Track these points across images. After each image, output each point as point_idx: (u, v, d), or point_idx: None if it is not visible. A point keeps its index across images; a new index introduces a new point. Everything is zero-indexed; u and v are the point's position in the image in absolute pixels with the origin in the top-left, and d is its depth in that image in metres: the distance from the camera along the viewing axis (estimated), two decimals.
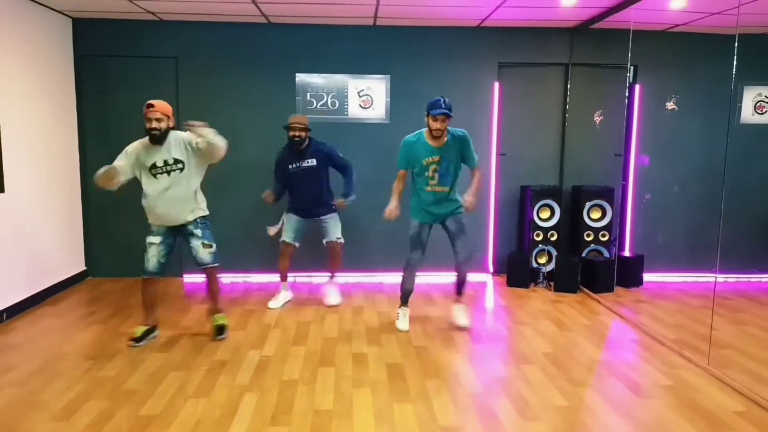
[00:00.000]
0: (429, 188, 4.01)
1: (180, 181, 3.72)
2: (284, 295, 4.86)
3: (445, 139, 3.95)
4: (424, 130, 4.00)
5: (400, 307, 4.33)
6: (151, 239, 3.78)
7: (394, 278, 5.64)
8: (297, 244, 4.71)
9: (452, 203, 4.07)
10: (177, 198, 3.72)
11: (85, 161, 5.42)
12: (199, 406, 2.98)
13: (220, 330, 3.96)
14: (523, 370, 3.50)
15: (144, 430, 2.72)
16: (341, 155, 4.65)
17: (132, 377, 3.31)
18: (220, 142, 3.65)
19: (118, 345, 3.81)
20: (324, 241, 4.75)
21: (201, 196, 3.88)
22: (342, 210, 4.73)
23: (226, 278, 5.59)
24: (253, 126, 5.46)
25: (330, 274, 4.94)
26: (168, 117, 3.68)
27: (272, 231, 4.72)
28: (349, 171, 4.62)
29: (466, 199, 3.99)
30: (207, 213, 3.91)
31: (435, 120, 3.83)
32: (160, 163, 3.68)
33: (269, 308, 4.68)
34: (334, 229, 4.71)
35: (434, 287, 5.41)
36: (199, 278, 5.57)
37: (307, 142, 4.52)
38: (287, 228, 4.68)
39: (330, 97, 5.51)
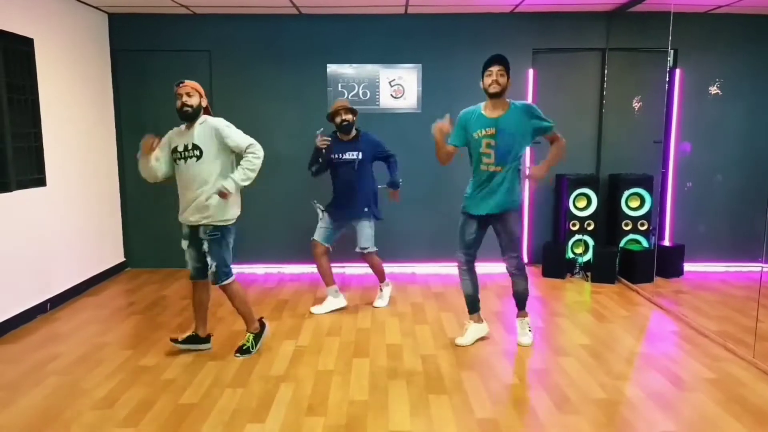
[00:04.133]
0: (484, 167, 3.43)
1: (194, 171, 3.28)
2: (332, 302, 4.41)
3: (505, 110, 3.39)
4: (483, 103, 3.50)
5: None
6: (183, 243, 3.48)
7: (426, 269, 5.65)
8: (327, 245, 4.33)
9: (506, 195, 3.44)
10: (187, 192, 3.34)
11: (123, 154, 5.53)
12: (236, 395, 3.02)
13: (243, 350, 3.54)
14: (560, 363, 3.44)
15: (183, 419, 2.77)
16: (388, 150, 4.38)
17: (170, 367, 3.38)
18: (254, 171, 3.34)
19: (157, 335, 3.89)
20: (357, 250, 4.38)
21: (234, 196, 3.38)
22: (394, 202, 4.51)
23: (260, 269, 5.66)
24: (284, 118, 5.49)
25: (380, 284, 4.62)
26: (199, 94, 3.34)
27: (321, 208, 4.37)
28: (394, 158, 4.36)
29: (535, 167, 3.40)
30: (223, 221, 3.36)
31: (489, 74, 3.32)
32: (180, 148, 3.32)
33: (311, 312, 4.36)
34: (362, 236, 4.29)
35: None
36: (233, 269, 5.65)
37: (355, 131, 4.24)
38: (319, 225, 4.34)
39: (361, 87, 5.49)
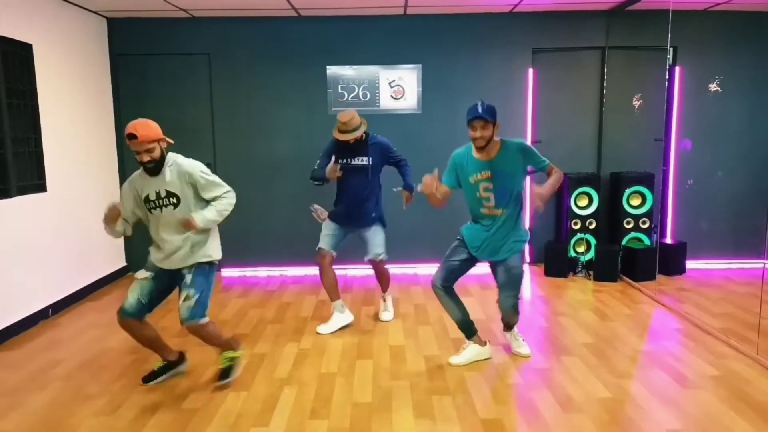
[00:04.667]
0: (485, 210, 3.26)
1: (174, 220, 2.96)
2: (339, 319, 4.06)
3: (497, 151, 3.21)
4: (473, 145, 3.27)
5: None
6: (141, 273, 3.09)
7: (429, 270, 5.62)
8: (334, 253, 4.03)
9: (513, 240, 3.26)
10: (167, 241, 2.99)
11: (123, 159, 5.53)
12: (240, 399, 3.01)
13: (224, 374, 3.17)
14: (563, 362, 3.44)
15: (187, 424, 2.76)
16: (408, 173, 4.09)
17: None
18: (224, 213, 3.04)
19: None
20: (365, 259, 4.10)
21: (207, 238, 3.06)
22: (409, 204, 4.16)
23: (262, 272, 5.66)
24: (285, 120, 5.50)
25: (382, 294, 4.36)
26: (158, 141, 2.90)
27: (321, 215, 4.10)
28: (405, 162, 4.08)
29: (538, 188, 3.06)
30: (209, 259, 3.06)
31: (472, 128, 3.15)
32: (153, 196, 2.97)
33: (318, 333, 3.99)
34: (374, 242, 4.02)
35: (470, 278, 5.35)
36: (236, 272, 5.67)
37: (363, 137, 3.89)
38: (323, 234, 4.04)
39: (361, 88, 5.49)
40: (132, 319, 3.01)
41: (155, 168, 2.93)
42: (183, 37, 5.41)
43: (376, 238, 4.03)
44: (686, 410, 2.83)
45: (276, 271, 5.68)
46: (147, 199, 2.98)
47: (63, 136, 4.64)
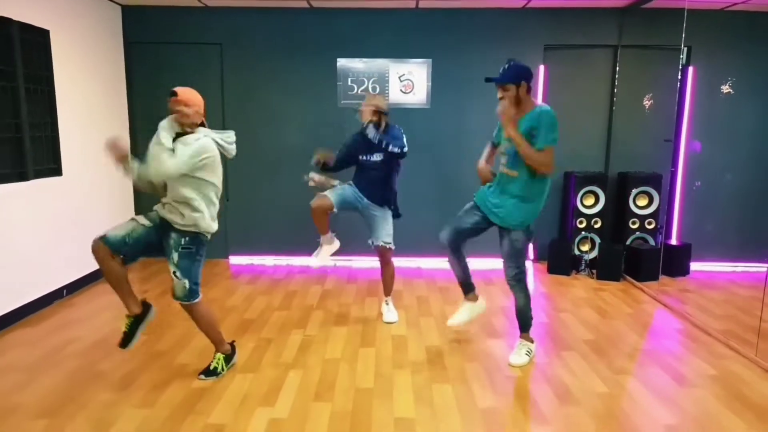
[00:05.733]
0: (502, 167, 3.31)
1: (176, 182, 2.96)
2: (327, 249, 4.11)
3: (524, 114, 3.19)
4: None
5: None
6: (137, 216, 3.06)
7: (432, 263, 5.70)
8: (336, 209, 3.94)
9: (515, 210, 3.23)
10: (171, 198, 3.00)
11: (136, 145, 5.60)
12: (247, 381, 3.10)
13: (208, 372, 3.15)
14: (563, 357, 3.50)
15: (196, 403, 2.86)
16: (396, 148, 3.95)
17: (183, 352, 3.48)
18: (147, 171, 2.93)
19: (171, 322, 3.98)
20: (370, 242, 4.09)
21: (199, 212, 2.97)
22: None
23: (269, 260, 5.75)
24: (294, 111, 5.56)
25: (385, 295, 4.22)
26: (192, 108, 2.98)
27: (315, 179, 4.04)
28: (400, 153, 3.96)
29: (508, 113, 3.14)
30: (199, 230, 3.00)
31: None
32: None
33: (311, 266, 4.16)
34: (382, 228, 4.02)
35: (473, 273, 5.41)
36: (244, 259, 5.76)
37: (378, 119, 3.92)
38: (335, 190, 4.01)
39: (371, 82, 5.54)
40: (106, 247, 2.89)
41: (182, 131, 2.98)
42: (195, 27, 5.47)
43: (385, 225, 4.04)
44: (683, 407, 2.89)
45: (283, 260, 5.77)
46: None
47: (78, 121, 4.73)
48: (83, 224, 4.80)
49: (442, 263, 5.68)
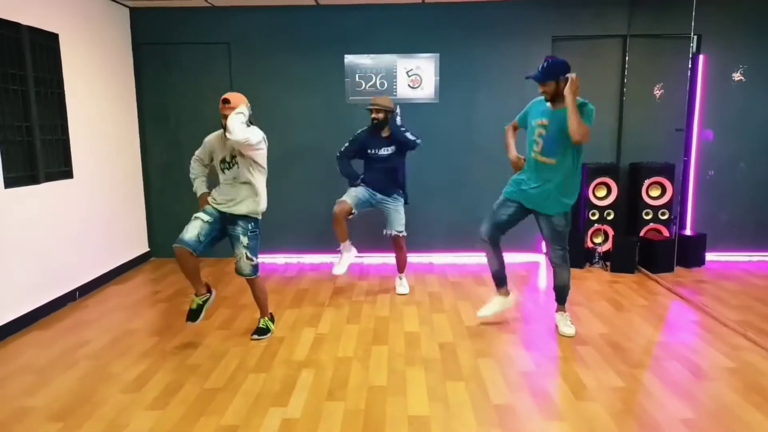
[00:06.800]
0: (534, 154, 3.53)
1: (236, 174, 3.52)
2: (347, 257, 4.49)
3: (563, 106, 3.36)
4: None
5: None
6: (199, 214, 3.52)
7: (444, 259, 5.68)
8: (355, 211, 4.33)
9: (558, 200, 3.51)
10: (233, 190, 3.52)
11: (146, 145, 5.64)
12: (260, 380, 3.10)
13: (261, 331, 3.73)
14: (578, 351, 3.46)
15: (209, 403, 2.86)
16: (409, 137, 4.32)
17: (196, 352, 3.48)
18: (233, 130, 3.30)
19: (183, 323, 3.97)
20: (385, 232, 4.47)
21: (258, 197, 3.57)
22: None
23: (280, 259, 5.75)
24: (303, 108, 5.55)
25: (398, 272, 4.70)
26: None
27: None
28: (413, 144, 4.35)
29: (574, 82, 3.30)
30: (258, 215, 3.60)
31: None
32: (228, 159, 3.53)
33: (334, 274, 4.49)
34: (395, 218, 4.41)
35: (485, 268, 5.38)
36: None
37: (385, 117, 4.30)
38: (349, 193, 4.40)
39: (379, 77, 5.51)
40: (186, 249, 3.36)
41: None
42: (203, 27, 5.48)
43: (397, 215, 4.42)
44: (700, 400, 2.85)
45: (293, 259, 5.77)
46: (223, 161, 3.55)
47: (88, 124, 4.75)
48: (95, 226, 4.83)
49: (453, 258, 5.67)
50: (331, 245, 5.03)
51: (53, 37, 4.31)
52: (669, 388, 2.97)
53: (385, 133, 4.36)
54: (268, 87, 5.54)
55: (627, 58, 5.43)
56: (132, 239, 5.53)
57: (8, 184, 3.81)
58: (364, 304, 4.39)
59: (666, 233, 5.38)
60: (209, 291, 3.64)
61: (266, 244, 5.67)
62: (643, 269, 5.18)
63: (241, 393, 2.96)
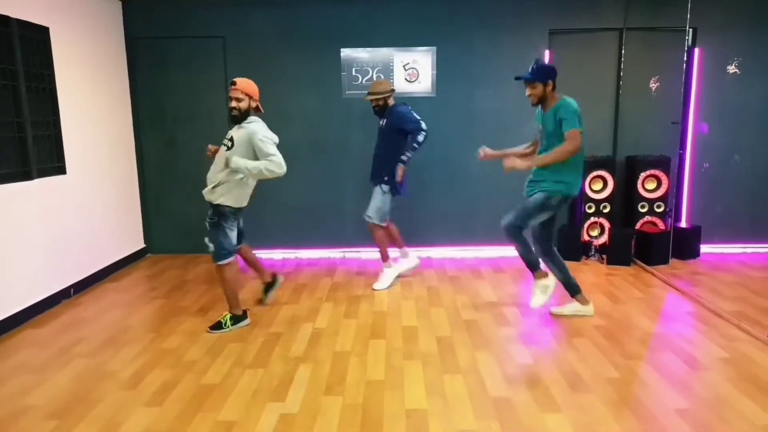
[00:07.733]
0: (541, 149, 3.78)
1: (221, 158, 3.61)
2: (390, 273, 4.68)
3: (548, 109, 3.62)
4: None
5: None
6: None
7: (442, 253, 5.68)
8: (383, 224, 4.56)
9: (539, 181, 3.69)
10: (210, 175, 3.66)
11: (140, 141, 5.60)
12: (257, 376, 3.10)
13: (215, 325, 3.73)
14: (574, 343, 3.47)
15: (206, 399, 2.86)
16: (415, 119, 4.39)
17: (192, 349, 3.47)
18: (265, 171, 3.51)
19: (179, 319, 3.99)
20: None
21: (230, 186, 3.60)
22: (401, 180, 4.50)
23: (278, 254, 5.74)
24: (299, 103, 5.52)
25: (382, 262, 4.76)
26: (249, 96, 3.61)
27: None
28: (415, 134, 4.35)
29: (515, 157, 3.63)
30: (230, 205, 3.62)
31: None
32: (227, 139, 3.68)
33: (374, 290, 4.56)
34: (370, 204, 4.52)
35: (483, 261, 5.40)
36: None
37: (381, 103, 4.49)
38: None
39: (375, 71, 5.49)
40: (238, 248, 3.81)
41: (236, 118, 3.61)
42: (198, 20, 5.43)
43: (375, 199, 4.51)
44: (695, 391, 2.87)
45: (291, 254, 5.76)
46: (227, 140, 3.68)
47: (81, 119, 4.72)
48: (89, 222, 4.80)
49: (451, 252, 5.67)
50: (327, 241, 5.03)
51: (44, 31, 4.26)
52: (664, 379, 2.99)
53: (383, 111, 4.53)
54: (264, 81, 5.41)
55: (623, 51, 5.42)
56: (127, 235, 5.51)
57: (0, 180, 3.78)
58: (362, 299, 4.39)
59: (662, 226, 5.41)
60: (274, 279, 4.14)
61: (264, 240, 5.70)
62: (639, 262, 5.20)
63: (239, 389, 2.96)
